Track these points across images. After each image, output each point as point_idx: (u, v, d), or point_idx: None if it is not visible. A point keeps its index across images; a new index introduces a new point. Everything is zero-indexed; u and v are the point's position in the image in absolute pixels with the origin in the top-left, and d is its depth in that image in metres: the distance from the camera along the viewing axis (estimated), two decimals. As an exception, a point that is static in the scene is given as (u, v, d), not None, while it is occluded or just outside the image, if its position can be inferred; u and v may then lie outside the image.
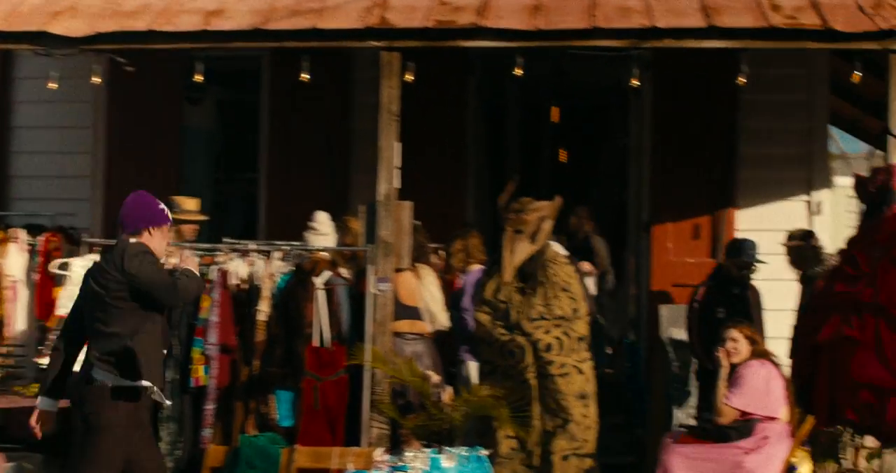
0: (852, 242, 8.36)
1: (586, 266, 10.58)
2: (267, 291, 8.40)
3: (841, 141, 25.20)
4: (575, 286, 8.50)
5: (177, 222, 8.56)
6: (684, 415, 9.97)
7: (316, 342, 8.45)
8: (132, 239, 6.33)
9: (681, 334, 10.11)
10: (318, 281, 8.50)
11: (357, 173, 11.12)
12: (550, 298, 8.36)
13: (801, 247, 9.60)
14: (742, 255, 9.54)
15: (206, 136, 11.96)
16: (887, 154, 8.34)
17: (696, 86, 10.84)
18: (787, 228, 9.98)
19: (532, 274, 8.42)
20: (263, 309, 8.40)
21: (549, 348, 8.26)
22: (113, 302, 6.22)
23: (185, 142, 11.70)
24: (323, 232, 9.12)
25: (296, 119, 11.33)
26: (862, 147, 19.82)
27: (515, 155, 14.61)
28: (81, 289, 6.44)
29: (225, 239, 9.30)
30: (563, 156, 15.60)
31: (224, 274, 8.48)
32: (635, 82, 8.84)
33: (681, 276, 10.85)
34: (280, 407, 8.40)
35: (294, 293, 8.33)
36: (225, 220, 12.25)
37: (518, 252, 8.39)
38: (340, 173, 11.25)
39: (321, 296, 8.47)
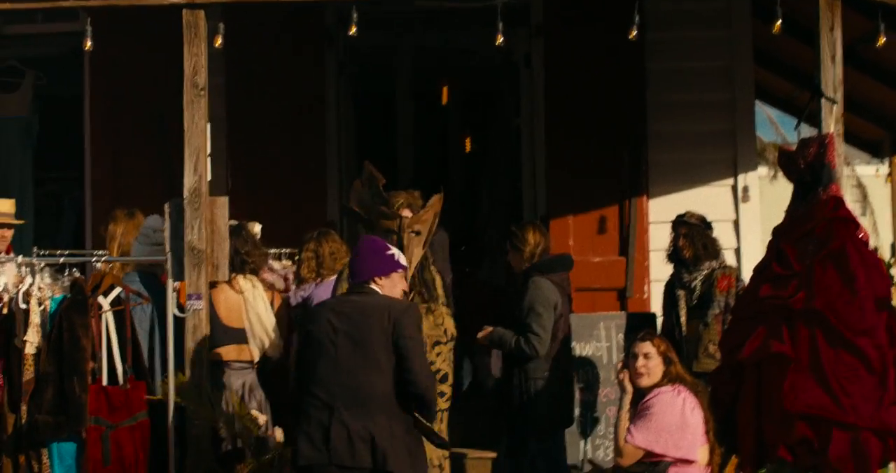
0: (780, 233, 6.68)
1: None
2: (36, 316, 6.57)
3: (784, 128, 23.66)
4: (450, 299, 6.97)
5: None
6: (592, 447, 8.31)
7: (104, 379, 6.64)
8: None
9: (586, 349, 8.42)
10: (105, 301, 6.68)
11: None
12: (440, 316, 6.80)
13: (699, 229, 7.95)
14: None
15: (24, 127, 10.15)
16: (820, 120, 6.63)
17: (594, 54, 9.24)
18: (710, 218, 8.36)
19: (426, 286, 6.80)
20: (31, 340, 6.56)
21: (445, 378, 6.83)
22: None
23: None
24: (153, 239, 7.40)
25: (123, 103, 9.60)
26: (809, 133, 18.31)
27: (408, 144, 12.94)
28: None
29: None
30: (468, 145, 13.86)
31: (-17, 295, 6.66)
32: (500, 39, 7.09)
33: (585, 279, 9.20)
34: (57, 464, 6.59)
35: (70, 318, 6.49)
36: (49, 227, 10.50)
37: (414, 260, 6.77)
38: (179, 165, 9.48)
39: (110, 321, 6.66)
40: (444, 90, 12.31)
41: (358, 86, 10.71)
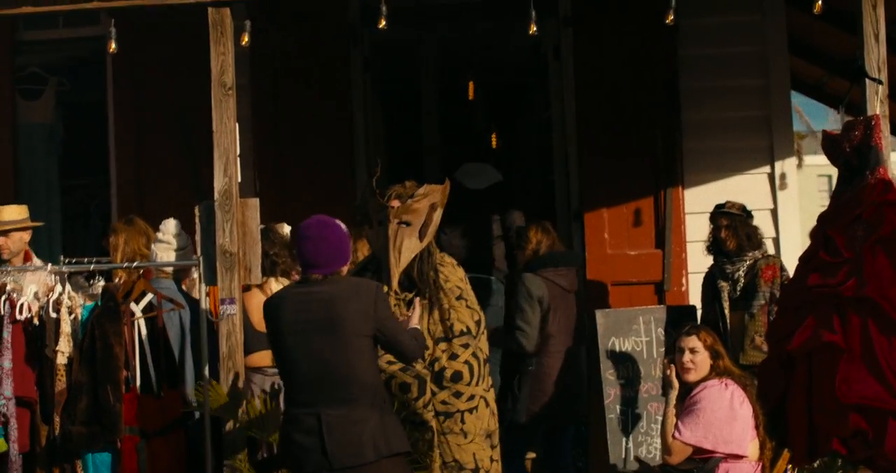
0: (826, 220, 6.49)
1: None
2: (66, 325, 6.43)
3: (808, 116, 23.38)
4: (470, 292, 6.70)
5: None
6: (634, 445, 8.13)
7: (138, 388, 6.50)
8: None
9: (625, 344, 8.24)
10: (137, 308, 6.54)
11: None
12: (447, 311, 6.50)
13: (741, 219, 7.80)
14: None
15: (48, 134, 10.03)
16: (864, 101, 6.42)
17: (625, 42, 9.06)
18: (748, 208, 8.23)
19: (423, 281, 6.54)
20: (63, 350, 6.43)
21: (458, 377, 6.48)
22: None
23: (21, 141, 9.87)
24: (175, 244, 7.24)
25: (147, 106, 9.50)
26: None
27: (435, 140, 12.75)
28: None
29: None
30: (494, 140, 13.66)
31: (14, 304, 6.50)
32: (533, 28, 6.91)
33: (621, 273, 9.06)
34: (93, 475, 6.46)
35: (102, 325, 6.35)
36: (77, 235, 10.37)
37: (405, 251, 6.50)
38: (204, 167, 9.34)
39: (142, 328, 6.52)
40: (471, 85, 12.11)
41: (384, 84, 10.55)
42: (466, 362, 6.50)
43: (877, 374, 5.99)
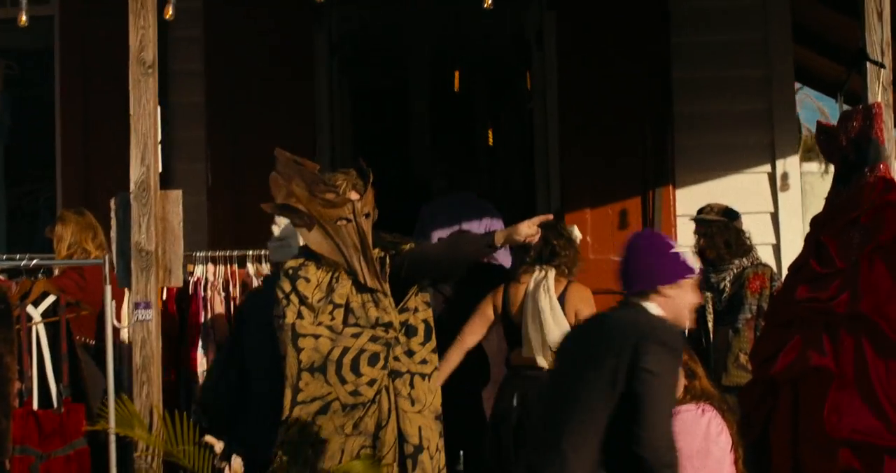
0: (820, 224, 5.69)
1: None
2: (-46, 331, 5.72)
3: (834, 119, 22.60)
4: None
5: None
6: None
7: (34, 402, 5.77)
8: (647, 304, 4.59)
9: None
10: (36, 311, 5.81)
11: (178, 161, 8.51)
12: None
13: (719, 225, 7.01)
14: None
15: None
16: (865, 89, 5.63)
17: (613, 27, 8.35)
18: (744, 210, 7.51)
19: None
20: (-52, 358, 5.72)
21: (412, 332, 5.78)
22: None
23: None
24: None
25: (94, 93, 8.76)
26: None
27: (421, 137, 12.09)
28: None
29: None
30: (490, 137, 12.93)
31: None
32: (489, 2, 6.15)
33: (604, 280, 8.20)
34: (-21, 502, 5.74)
35: (-9, 331, 5.64)
36: (23, 234, 9.70)
37: (373, 245, 5.87)
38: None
39: (42, 334, 5.79)
40: (457, 75, 11.39)
41: (363, 77, 9.87)
42: (424, 321, 5.79)
43: (872, 404, 5.18)
